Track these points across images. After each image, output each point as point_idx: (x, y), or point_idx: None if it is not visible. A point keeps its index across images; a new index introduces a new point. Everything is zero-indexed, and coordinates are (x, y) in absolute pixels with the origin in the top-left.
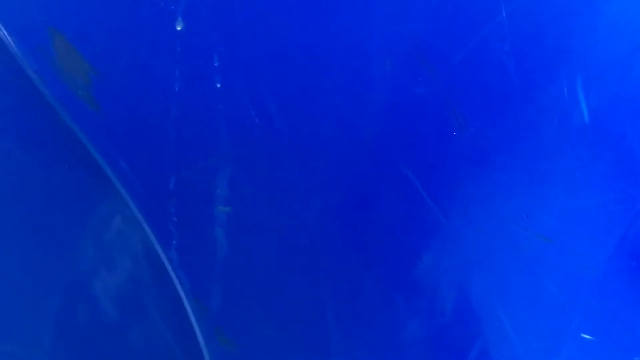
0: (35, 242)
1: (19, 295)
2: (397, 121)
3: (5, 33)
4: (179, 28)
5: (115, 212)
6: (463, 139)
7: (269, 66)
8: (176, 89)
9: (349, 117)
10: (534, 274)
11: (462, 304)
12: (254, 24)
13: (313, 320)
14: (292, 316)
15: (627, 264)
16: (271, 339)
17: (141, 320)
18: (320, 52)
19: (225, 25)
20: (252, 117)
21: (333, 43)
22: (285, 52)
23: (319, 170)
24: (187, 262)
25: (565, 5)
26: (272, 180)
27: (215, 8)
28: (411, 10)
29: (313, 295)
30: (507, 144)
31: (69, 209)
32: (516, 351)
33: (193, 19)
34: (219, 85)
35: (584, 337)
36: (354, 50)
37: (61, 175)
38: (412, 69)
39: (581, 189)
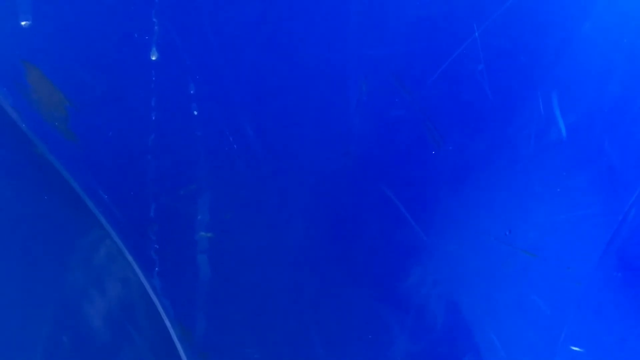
0: (24, 267)
1: (8, 318)
2: (376, 142)
3: None
4: (153, 58)
5: (105, 237)
6: (441, 158)
7: (245, 91)
8: (153, 118)
9: (327, 140)
10: (520, 289)
11: (450, 319)
12: (228, 51)
13: (299, 341)
14: (278, 338)
15: (612, 275)
16: None
17: (130, 344)
18: (297, 77)
19: (200, 53)
20: (230, 142)
21: (309, 68)
22: (261, 77)
23: (299, 192)
24: (170, 289)
25: (538, 23)
26: (253, 204)
27: (189, 37)
28: (385, 34)
29: (299, 316)
30: (486, 161)
31: (55, 235)
32: None
33: (167, 49)
34: (195, 113)
35: (573, 350)
36: (330, 74)
37: (43, 203)
38: (389, 92)
39: (563, 203)
